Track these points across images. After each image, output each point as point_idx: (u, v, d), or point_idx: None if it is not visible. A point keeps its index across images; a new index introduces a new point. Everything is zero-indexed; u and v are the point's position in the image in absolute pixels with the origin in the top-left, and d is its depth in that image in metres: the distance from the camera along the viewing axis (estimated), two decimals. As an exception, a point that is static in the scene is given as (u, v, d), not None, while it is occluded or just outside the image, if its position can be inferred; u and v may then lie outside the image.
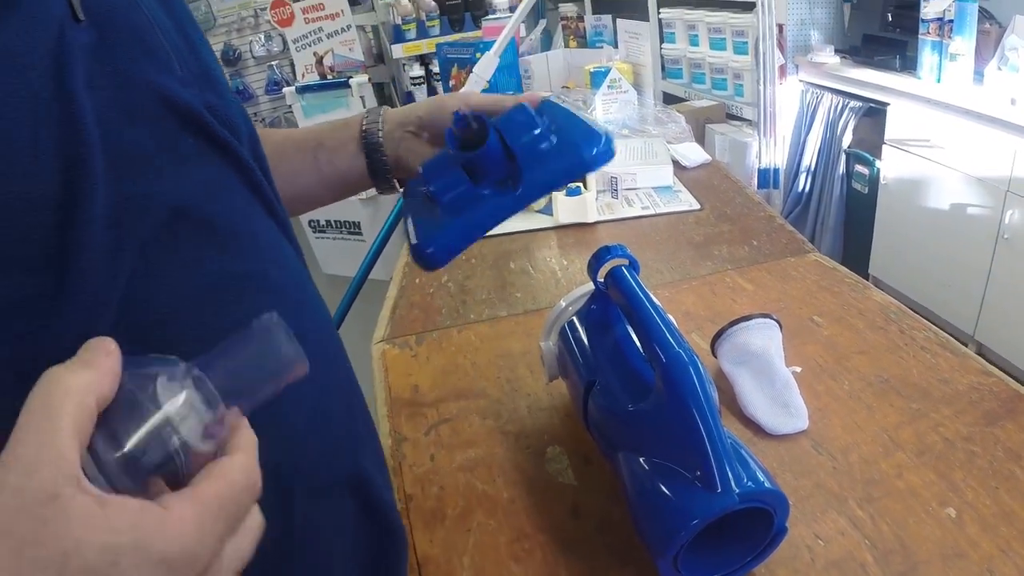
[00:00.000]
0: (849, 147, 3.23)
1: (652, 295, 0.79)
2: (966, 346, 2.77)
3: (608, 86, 2.05)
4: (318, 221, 4.06)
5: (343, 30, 4.18)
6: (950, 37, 2.60)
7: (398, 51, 4.04)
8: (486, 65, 1.96)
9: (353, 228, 4.11)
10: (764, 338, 0.89)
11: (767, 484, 0.61)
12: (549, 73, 2.58)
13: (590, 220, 1.49)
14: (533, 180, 0.64)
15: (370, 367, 1.07)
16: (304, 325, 0.50)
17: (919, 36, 2.75)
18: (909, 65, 2.91)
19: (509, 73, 2.50)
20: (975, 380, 0.87)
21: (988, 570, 0.64)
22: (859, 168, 3.19)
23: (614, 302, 0.76)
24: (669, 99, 4.37)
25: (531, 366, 1.01)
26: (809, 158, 3.47)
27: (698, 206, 1.51)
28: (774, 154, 3.54)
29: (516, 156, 0.63)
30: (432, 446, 0.88)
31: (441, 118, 0.73)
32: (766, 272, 1.18)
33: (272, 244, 0.54)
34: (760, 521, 0.63)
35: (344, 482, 0.55)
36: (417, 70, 4.29)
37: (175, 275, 0.43)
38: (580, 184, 1.53)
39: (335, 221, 4.05)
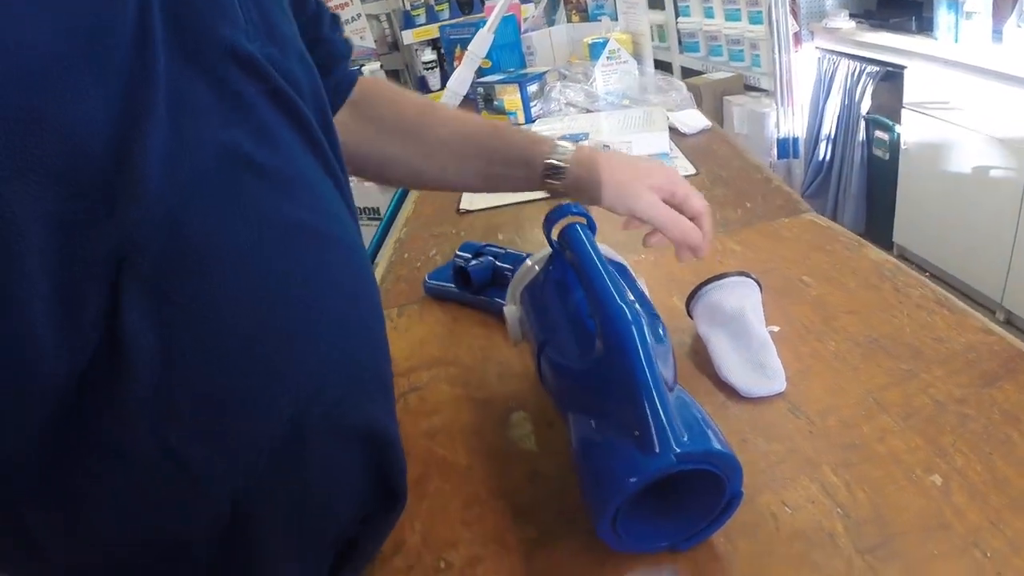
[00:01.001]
0: (868, 113, 3.15)
1: (618, 256, 0.75)
2: (994, 314, 2.71)
3: (607, 57, 1.99)
4: (339, 207, 4.05)
5: (353, 19, 4.18)
6: (966, -6, 2.51)
7: (409, 37, 4.02)
8: (480, 43, 1.92)
9: (373, 214, 4.10)
10: (739, 297, 0.84)
11: (715, 445, 0.56)
12: (552, 49, 2.52)
13: (580, 191, 1.44)
14: None
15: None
16: (350, 277, 0.55)
17: (935, -5, 2.66)
18: (926, 26, 2.82)
19: (511, 51, 2.45)
20: (973, 339, 0.81)
21: (974, 543, 0.58)
22: (879, 134, 3.11)
23: (568, 261, 0.71)
24: (687, 73, 4.33)
25: (506, 333, 0.97)
26: (828, 126, 3.39)
27: (693, 171, 1.45)
28: (792, 123, 3.48)
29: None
30: (400, 413, 0.84)
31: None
32: (757, 233, 1.12)
33: (326, 197, 0.56)
34: (714, 487, 0.58)
35: (362, 433, 0.56)
36: (429, 55, 4.27)
37: (224, 210, 0.44)
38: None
39: (358, 207, 4.04)
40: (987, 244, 2.64)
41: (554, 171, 0.82)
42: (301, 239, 0.50)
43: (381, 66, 4.15)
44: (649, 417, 0.55)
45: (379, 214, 4.07)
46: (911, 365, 0.78)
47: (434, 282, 1.11)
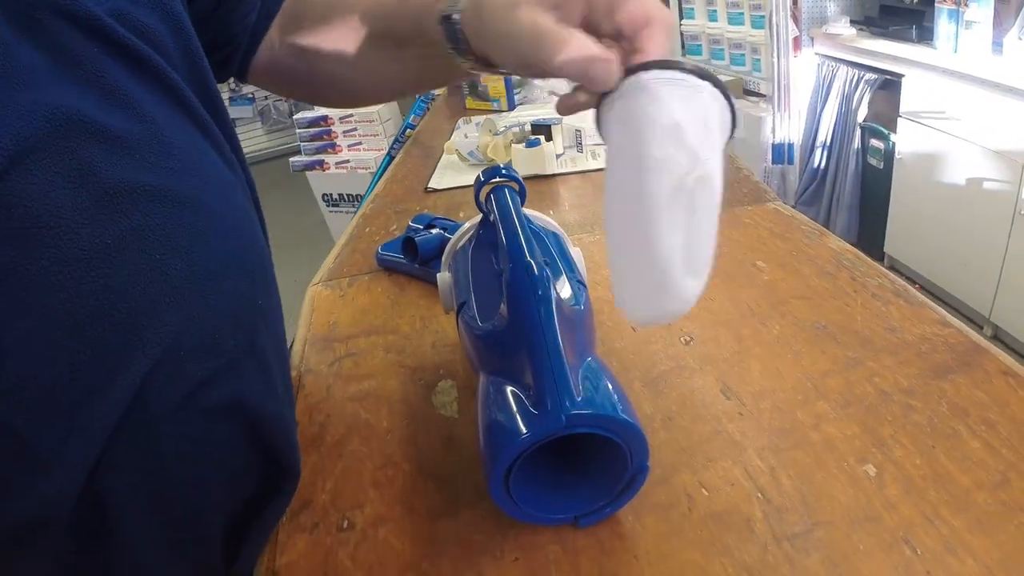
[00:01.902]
0: (864, 121, 3.11)
1: (556, 226, 0.72)
2: (981, 328, 2.67)
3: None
4: (331, 195, 4.05)
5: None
6: (966, 5, 2.47)
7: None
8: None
9: (355, 201, 4.10)
10: (688, 112, 0.48)
11: (613, 412, 0.52)
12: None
13: (548, 172, 1.41)
14: None
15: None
16: (216, 245, 0.51)
17: (935, 4, 2.63)
18: (926, 35, 2.79)
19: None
20: (929, 330, 0.77)
21: (904, 538, 0.54)
22: (874, 142, 3.08)
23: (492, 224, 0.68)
24: (688, 77, 4.29)
25: None
26: (824, 133, 3.37)
27: (666, 158, 1.41)
28: (788, 129, 3.45)
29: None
30: (331, 377, 0.84)
31: None
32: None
33: (198, 159, 0.51)
34: (619, 460, 0.54)
35: (228, 411, 0.52)
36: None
37: (59, 179, 0.41)
38: (540, 136, 1.45)
39: (347, 195, 4.03)
40: (978, 258, 2.60)
41: (447, 25, 0.60)
42: (146, 205, 0.46)
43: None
44: (543, 376, 0.52)
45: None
46: (858, 353, 0.74)
47: (386, 253, 1.08)
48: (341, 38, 0.73)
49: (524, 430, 0.50)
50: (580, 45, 0.49)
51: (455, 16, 0.59)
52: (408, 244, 1.01)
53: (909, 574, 0.52)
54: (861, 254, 0.93)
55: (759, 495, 0.59)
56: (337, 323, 0.95)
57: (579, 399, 0.51)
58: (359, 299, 1.01)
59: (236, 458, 0.54)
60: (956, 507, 0.56)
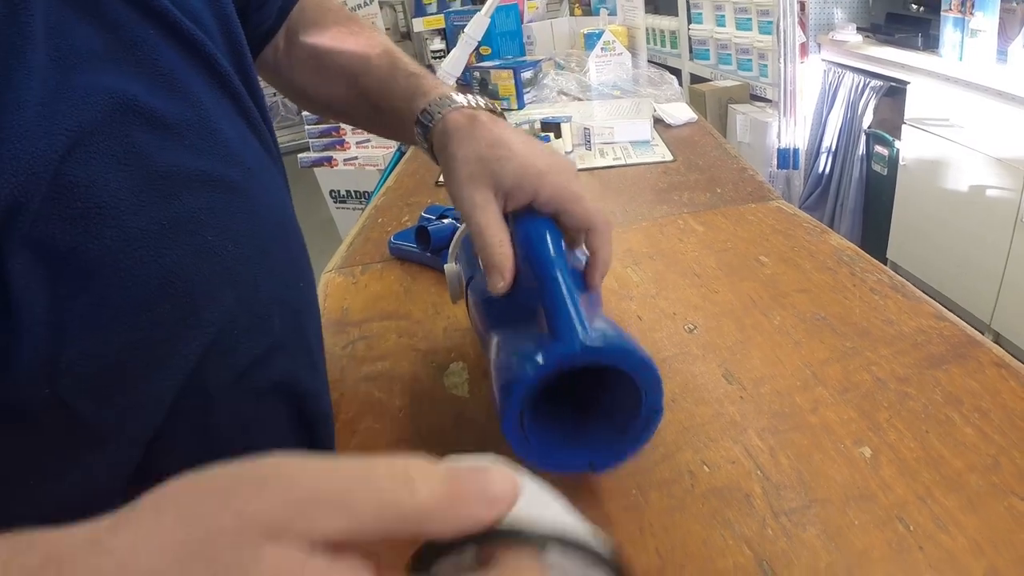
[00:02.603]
0: (869, 127, 3.13)
1: None
2: (982, 334, 2.68)
3: (601, 48, 1.98)
4: (338, 191, 4.08)
5: (365, 4, 4.17)
6: (972, 13, 2.49)
7: (419, 25, 4.02)
8: (476, 26, 1.91)
9: (363, 198, 4.11)
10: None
11: (628, 344, 0.53)
12: (553, 40, 2.52)
13: (556, 169, 1.42)
14: None
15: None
16: (257, 228, 0.52)
17: (941, 13, 2.65)
18: (931, 43, 2.80)
19: (511, 39, 2.44)
20: (925, 323, 0.80)
21: (898, 516, 0.56)
22: (879, 149, 3.09)
23: None
24: (696, 80, 4.33)
25: None
26: (830, 139, 3.38)
27: (671, 158, 1.44)
28: (794, 134, 3.46)
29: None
30: (345, 359, 0.87)
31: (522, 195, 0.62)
32: (721, 216, 1.11)
33: (241, 145, 0.53)
34: (632, 400, 0.55)
35: (276, 389, 0.55)
36: (438, 44, 4.28)
37: (113, 162, 0.42)
38: (550, 133, 1.47)
39: (355, 192, 4.05)
40: (979, 264, 2.62)
41: (422, 126, 0.68)
42: (197, 190, 0.47)
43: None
44: (557, 309, 0.54)
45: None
46: (856, 343, 0.77)
47: (398, 242, 1.10)
48: (331, 95, 0.78)
49: (539, 359, 0.51)
50: (499, 252, 0.59)
51: (429, 125, 0.66)
52: (421, 233, 1.03)
53: (902, 549, 0.54)
54: (860, 251, 0.95)
55: (758, 472, 0.61)
56: (350, 308, 0.97)
57: (593, 334, 0.52)
58: (372, 286, 1.03)
59: (281, 436, 0.57)
60: (948, 488, 0.59)
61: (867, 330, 0.79)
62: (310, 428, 0.60)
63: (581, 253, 0.67)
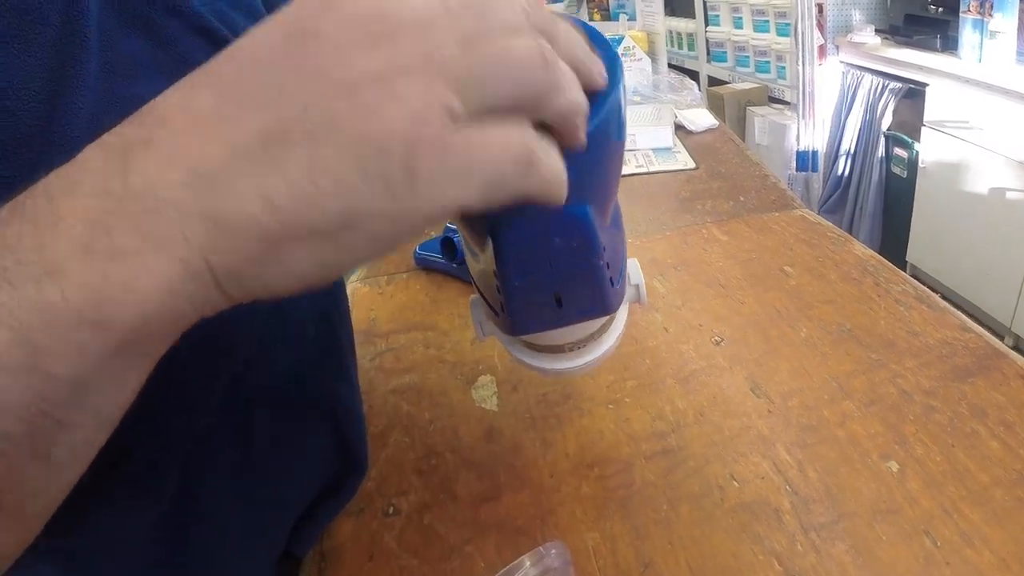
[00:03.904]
0: (889, 129, 3.12)
1: None
2: (1003, 339, 2.67)
3: (622, 53, 1.98)
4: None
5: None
6: (991, 14, 2.48)
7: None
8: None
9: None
10: None
11: None
12: (572, 44, 2.51)
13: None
14: None
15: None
16: None
17: (960, 14, 2.64)
18: (950, 45, 2.79)
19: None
20: (950, 335, 0.80)
21: (925, 530, 0.57)
22: (898, 151, 3.08)
23: None
24: (714, 82, 4.32)
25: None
26: (849, 141, 3.37)
27: (693, 165, 1.44)
28: (813, 137, 3.45)
29: None
30: (373, 371, 0.87)
31: None
32: (745, 225, 1.11)
33: None
34: None
35: (313, 404, 0.56)
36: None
37: None
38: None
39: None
40: (1000, 268, 2.61)
41: None
42: None
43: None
44: None
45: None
46: (881, 355, 0.77)
47: (423, 253, 1.11)
48: None
49: None
50: None
51: None
52: (446, 244, 1.04)
53: (929, 564, 0.54)
54: (885, 260, 0.96)
55: (787, 487, 0.62)
56: (377, 319, 0.98)
57: None
58: (398, 296, 1.04)
59: (317, 449, 0.58)
60: (974, 502, 0.59)
61: (892, 342, 0.79)
62: (344, 442, 0.61)
63: None
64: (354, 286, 1.09)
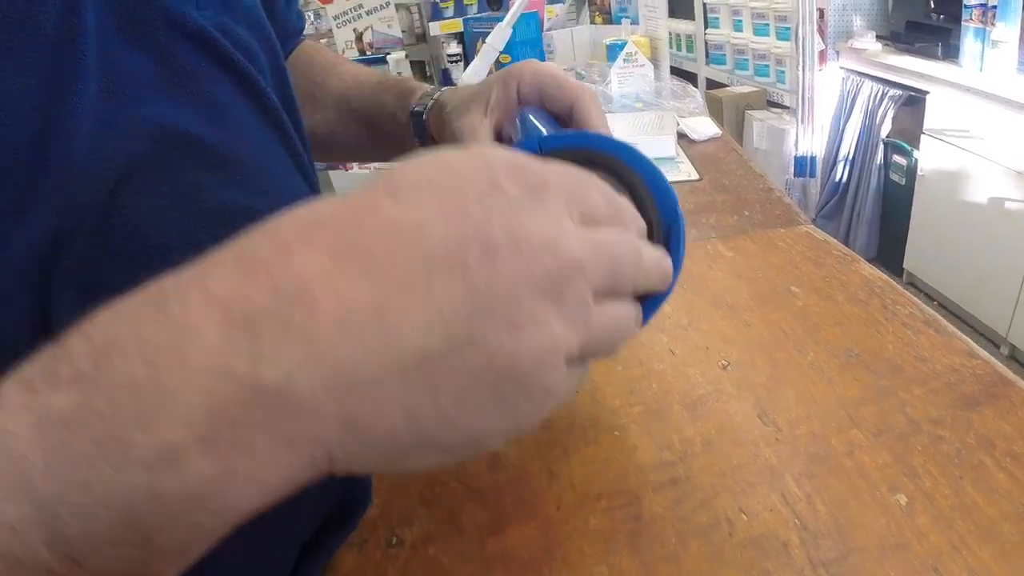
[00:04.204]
0: (888, 136, 3.12)
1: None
2: (998, 348, 2.68)
3: (624, 59, 1.97)
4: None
5: (382, 7, 4.17)
6: (993, 24, 2.48)
7: (435, 28, 4.02)
8: (498, 36, 1.90)
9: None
10: None
11: (604, 136, 0.46)
12: (574, 49, 2.51)
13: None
14: None
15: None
16: None
17: (962, 23, 2.63)
18: (951, 53, 2.79)
19: (532, 47, 2.44)
20: (957, 361, 0.79)
21: (933, 567, 0.56)
22: (897, 158, 3.09)
23: None
24: (712, 85, 4.32)
25: None
26: (847, 147, 3.37)
27: (697, 177, 1.43)
28: (811, 142, 3.46)
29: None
30: None
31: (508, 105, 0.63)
32: (750, 241, 1.10)
33: (287, 183, 0.52)
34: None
35: None
36: (455, 48, 4.27)
37: (165, 198, 0.41)
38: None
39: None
40: (997, 277, 2.61)
41: (417, 116, 0.69)
42: (243, 227, 0.47)
43: (407, 56, 4.15)
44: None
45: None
46: (889, 382, 0.77)
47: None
48: (321, 122, 0.78)
49: None
50: None
51: (424, 116, 0.68)
52: None
53: (939, 602, 0.54)
54: (892, 282, 0.95)
55: (796, 521, 0.61)
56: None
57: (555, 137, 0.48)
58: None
59: (322, 483, 0.57)
60: (982, 537, 0.59)
61: (900, 367, 0.78)
62: (350, 480, 0.60)
63: None
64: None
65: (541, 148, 0.43)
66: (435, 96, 0.69)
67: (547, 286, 0.28)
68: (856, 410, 0.73)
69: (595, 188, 0.34)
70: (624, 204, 0.36)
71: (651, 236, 0.43)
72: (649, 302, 0.40)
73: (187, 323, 0.24)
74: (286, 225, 0.27)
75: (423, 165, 0.30)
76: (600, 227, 0.33)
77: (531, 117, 0.58)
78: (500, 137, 0.63)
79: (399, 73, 3.86)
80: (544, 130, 0.56)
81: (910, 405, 0.73)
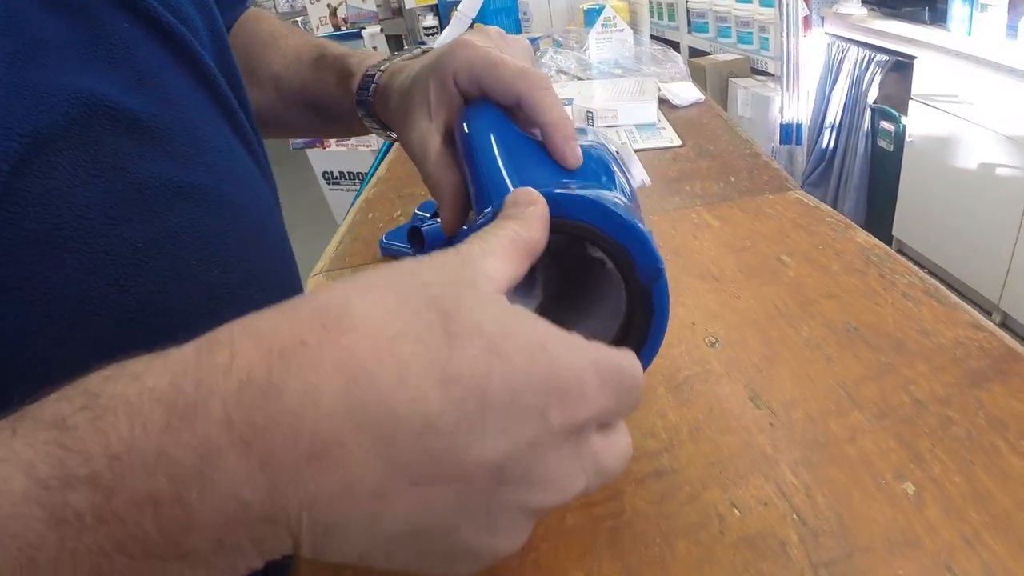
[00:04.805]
0: (875, 103, 3.07)
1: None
2: (990, 315, 2.64)
3: (602, 24, 1.90)
4: (331, 173, 4.02)
5: (356, -20, 4.11)
6: (981, -14, 2.43)
7: (411, 1, 3.94)
8: (470, 2, 1.83)
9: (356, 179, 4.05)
10: None
11: (570, 192, 0.41)
12: (551, 15, 2.44)
13: (558, 155, 1.36)
14: None
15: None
16: (244, 248, 0.46)
17: (950, -15, 2.58)
18: (939, 17, 2.73)
19: (507, 15, 2.37)
20: (963, 334, 0.73)
21: (946, 565, 0.51)
22: (884, 124, 3.03)
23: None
24: (695, 53, 4.27)
25: None
26: (834, 114, 3.32)
27: (679, 143, 1.37)
28: (797, 109, 3.41)
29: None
30: None
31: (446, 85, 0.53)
32: (738, 209, 1.04)
33: (230, 157, 0.47)
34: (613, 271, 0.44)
35: None
36: (431, 20, 4.23)
37: (82, 172, 0.37)
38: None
39: (348, 173, 3.99)
40: (988, 244, 2.57)
41: (363, 103, 0.62)
42: (179, 205, 0.41)
43: (382, 30, 4.08)
44: (477, 176, 0.44)
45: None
46: (892, 358, 0.70)
47: (390, 242, 1.03)
48: (262, 100, 0.71)
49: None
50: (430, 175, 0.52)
51: (369, 103, 0.61)
52: (414, 234, 0.96)
53: (953, 603, 0.48)
54: (890, 249, 0.89)
55: (794, 516, 0.55)
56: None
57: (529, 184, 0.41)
58: (364, 292, 0.96)
59: None
60: (997, 529, 0.53)
61: (903, 342, 0.72)
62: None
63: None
64: (316, 280, 1.01)
65: None
66: (376, 79, 0.61)
67: (540, 512, 0.31)
68: (857, 390, 0.67)
69: (631, 399, 0.34)
70: (635, 398, 0.35)
71: (632, 291, 0.43)
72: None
73: (210, 448, 0.25)
74: (329, 393, 0.26)
75: (488, 361, 0.28)
76: (611, 433, 0.34)
77: (478, 127, 0.49)
78: (450, 138, 0.53)
79: (375, 48, 3.79)
80: (468, 128, 0.48)
81: (914, 383, 0.67)
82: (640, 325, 0.46)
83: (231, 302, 0.44)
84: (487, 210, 0.41)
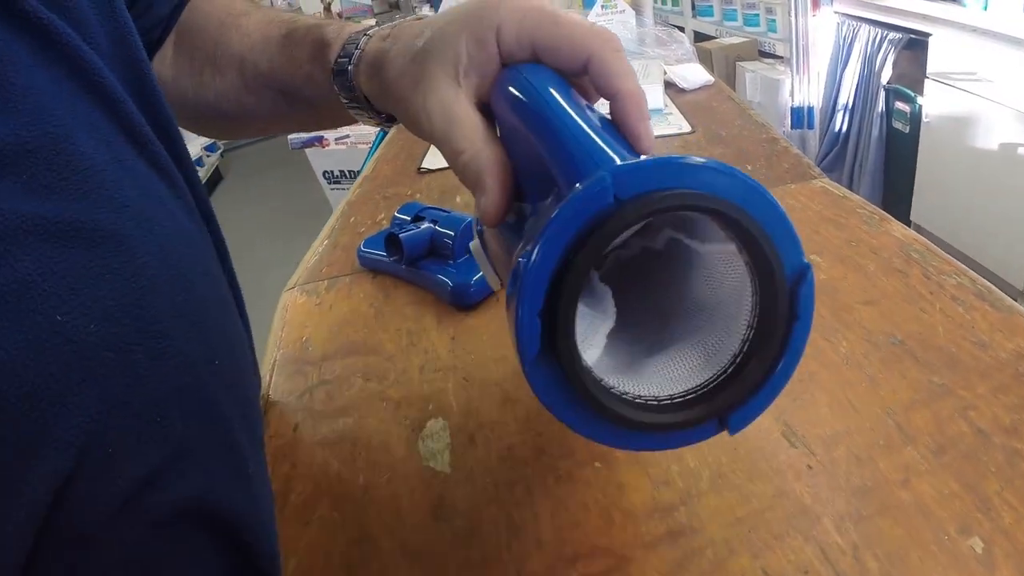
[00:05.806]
0: (889, 83, 2.96)
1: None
2: (1014, 300, 2.53)
3: (602, 5, 1.80)
4: (332, 172, 3.93)
5: (353, -32, 4.02)
6: (997, -40, 2.33)
7: (406, -7, 3.86)
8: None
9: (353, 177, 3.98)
10: None
11: (694, 160, 0.32)
12: (550, -2, 2.32)
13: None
14: None
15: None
16: (158, 301, 0.37)
17: (964, -41, 2.48)
18: (954, -8, 2.62)
19: (505, -3, 2.26)
20: None
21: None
22: (899, 105, 2.92)
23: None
24: (700, 38, 4.18)
25: (440, 315, 0.81)
26: (846, 95, 3.21)
27: (689, 128, 1.26)
28: (808, 92, 3.31)
29: None
30: (300, 412, 0.70)
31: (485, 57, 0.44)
32: (756, 202, 0.93)
33: (113, 173, 0.37)
34: (744, 273, 0.36)
35: (180, 512, 0.38)
36: (427, 11, 4.17)
37: None
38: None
39: (349, 172, 3.91)
40: (1010, 226, 2.46)
41: (341, 80, 0.52)
42: (40, 248, 0.32)
43: (377, 24, 4.01)
44: (564, 143, 0.35)
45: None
46: (945, 378, 0.60)
47: (368, 251, 0.93)
48: (226, 92, 0.62)
49: (553, 225, 0.31)
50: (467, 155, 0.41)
51: (350, 74, 0.51)
52: (391, 241, 0.86)
53: None
54: (932, 245, 0.78)
55: (843, 589, 0.45)
56: (311, 339, 0.80)
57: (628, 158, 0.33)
58: (338, 307, 0.86)
59: (200, 570, 0.41)
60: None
61: (956, 357, 0.62)
62: (245, 553, 0.42)
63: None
64: (289, 296, 0.91)
65: (619, 197, 0.31)
66: (361, 45, 0.51)
67: None
68: (908, 419, 0.56)
69: None
70: None
71: (769, 291, 0.35)
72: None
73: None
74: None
75: None
76: None
77: (538, 79, 0.40)
78: (484, 110, 0.44)
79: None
80: (537, 88, 0.39)
81: (974, 408, 0.57)
82: (775, 334, 0.37)
83: (118, 363, 0.33)
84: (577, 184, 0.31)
